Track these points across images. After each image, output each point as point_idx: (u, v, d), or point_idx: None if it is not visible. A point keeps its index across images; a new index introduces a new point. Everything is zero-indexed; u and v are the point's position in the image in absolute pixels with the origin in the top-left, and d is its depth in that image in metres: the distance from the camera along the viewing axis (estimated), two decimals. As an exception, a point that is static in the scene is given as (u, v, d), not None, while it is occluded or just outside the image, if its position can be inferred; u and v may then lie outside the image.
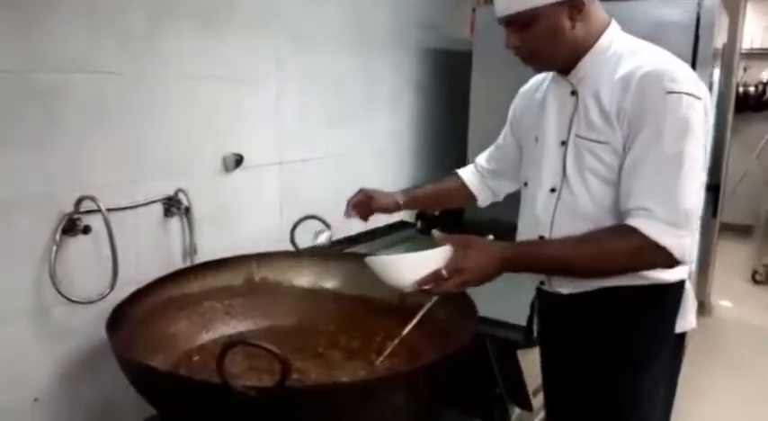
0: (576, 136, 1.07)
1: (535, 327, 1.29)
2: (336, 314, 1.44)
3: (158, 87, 1.38)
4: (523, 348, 1.31)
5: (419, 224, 2.34)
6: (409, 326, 1.26)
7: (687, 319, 1.11)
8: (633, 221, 0.99)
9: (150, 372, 0.93)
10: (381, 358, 1.25)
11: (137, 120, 1.34)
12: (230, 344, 0.83)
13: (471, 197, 1.42)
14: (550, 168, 1.13)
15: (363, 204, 1.41)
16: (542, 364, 1.23)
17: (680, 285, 1.10)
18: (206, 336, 1.33)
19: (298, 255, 1.50)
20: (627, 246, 1.00)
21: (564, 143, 1.10)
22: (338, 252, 1.62)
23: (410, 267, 1.06)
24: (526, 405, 1.36)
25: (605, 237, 1.03)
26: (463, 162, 1.75)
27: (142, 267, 1.38)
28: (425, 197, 1.47)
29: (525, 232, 1.20)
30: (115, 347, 0.98)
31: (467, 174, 1.43)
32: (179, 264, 1.45)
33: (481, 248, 1.05)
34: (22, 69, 1.14)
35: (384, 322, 1.39)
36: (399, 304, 1.40)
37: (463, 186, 1.42)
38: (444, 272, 1.03)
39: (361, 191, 1.41)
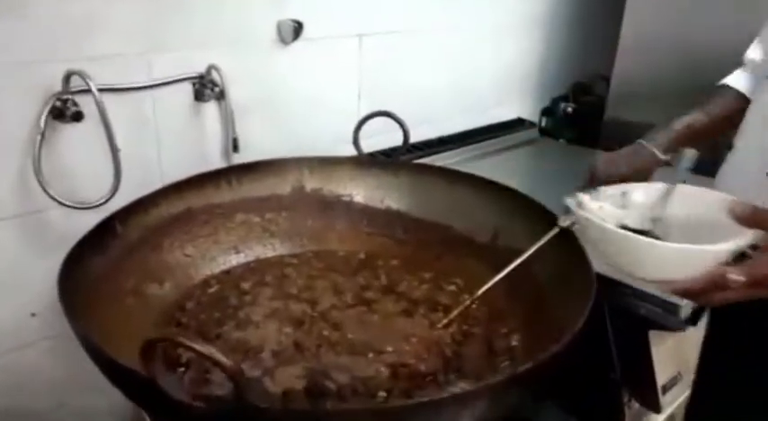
0: None
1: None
2: (404, 246, 1.09)
3: None
4: (671, 330, 0.90)
5: (543, 122, 1.88)
6: (490, 283, 0.89)
7: None
8: None
9: (85, 340, 0.65)
10: (446, 321, 0.90)
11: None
12: (155, 340, 0.52)
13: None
14: None
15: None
16: (702, 363, 0.82)
17: None
18: (234, 259, 1.05)
19: (362, 164, 1.15)
20: None
21: None
22: (418, 164, 1.24)
23: (677, 259, 0.65)
24: (652, 403, 0.98)
25: None
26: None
27: (167, 167, 1.10)
28: (698, 134, 0.93)
29: None
30: (61, 289, 0.71)
31: (741, 82, 0.94)
32: (217, 163, 1.16)
33: None
34: None
35: (465, 264, 1.04)
36: (490, 242, 1.04)
37: (743, 102, 0.91)
38: (735, 276, 0.60)
39: (592, 173, 0.92)
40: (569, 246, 0.88)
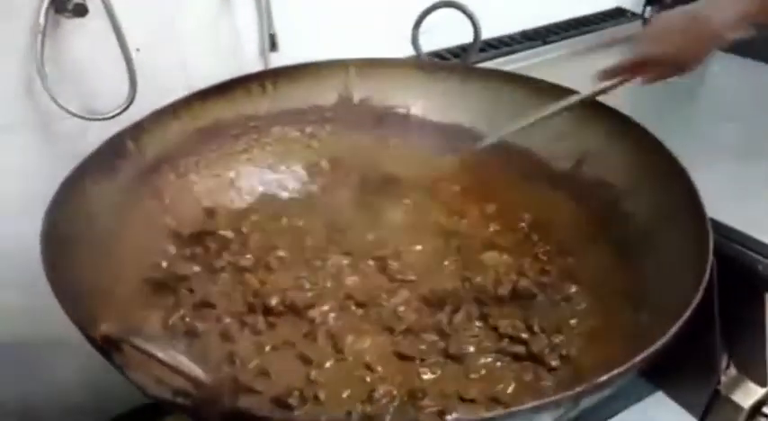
0: None
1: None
2: (468, 170, 0.92)
3: None
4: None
5: (647, 11, 1.58)
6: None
7: None
8: None
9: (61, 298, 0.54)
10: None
11: None
12: (111, 339, 0.39)
13: None
14: None
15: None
16: None
17: None
18: (271, 181, 0.91)
19: (422, 67, 0.95)
20: None
21: None
22: (490, 70, 1.03)
23: None
24: (758, 374, 0.81)
25: None
26: None
27: (194, 72, 0.94)
28: None
29: None
30: (46, 234, 0.60)
31: None
32: (252, 66, 0.99)
33: None
34: None
35: (537, 195, 0.86)
36: (572, 170, 0.85)
37: None
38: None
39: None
40: (676, 186, 0.70)
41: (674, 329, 0.53)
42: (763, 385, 0.81)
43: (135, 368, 0.43)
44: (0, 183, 0.86)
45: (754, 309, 0.77)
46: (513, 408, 0.48)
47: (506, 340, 0.68)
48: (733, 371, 0.84)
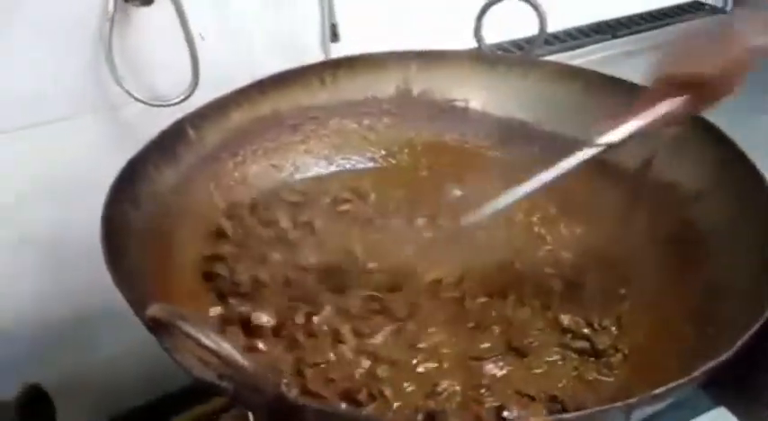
0: None
1: None
2: (528, 166, 0.89)
3: None
4: None
5: (731, 4, 1.49)
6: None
7: None
8: None
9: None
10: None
11: None
12: (158, 320, 0.40)
13: None
14: None
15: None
16: None
17: None
18: (327, 170, 0.91)
19: (483, 60, 0.93)
20: None
21: None
22: (555, 63, 1.00)
23: None
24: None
25: None
26: None
27: (260, 60, 0.95)
28: None
29: None
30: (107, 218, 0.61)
31: None
32: (313, 56, 1.00)
33: None
34: None
35: (600, 198, 0.83)
36: (639, 171, 0.81)
37: None
38: None
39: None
40: (750, 190, 0.66)
41: (738, 344, 0.50)
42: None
43: (182, 350, 0.43)
44: (66, 166, 0.89)
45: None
46: (561, 415, 0.47)
47: (569, 335, 0.66)
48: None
